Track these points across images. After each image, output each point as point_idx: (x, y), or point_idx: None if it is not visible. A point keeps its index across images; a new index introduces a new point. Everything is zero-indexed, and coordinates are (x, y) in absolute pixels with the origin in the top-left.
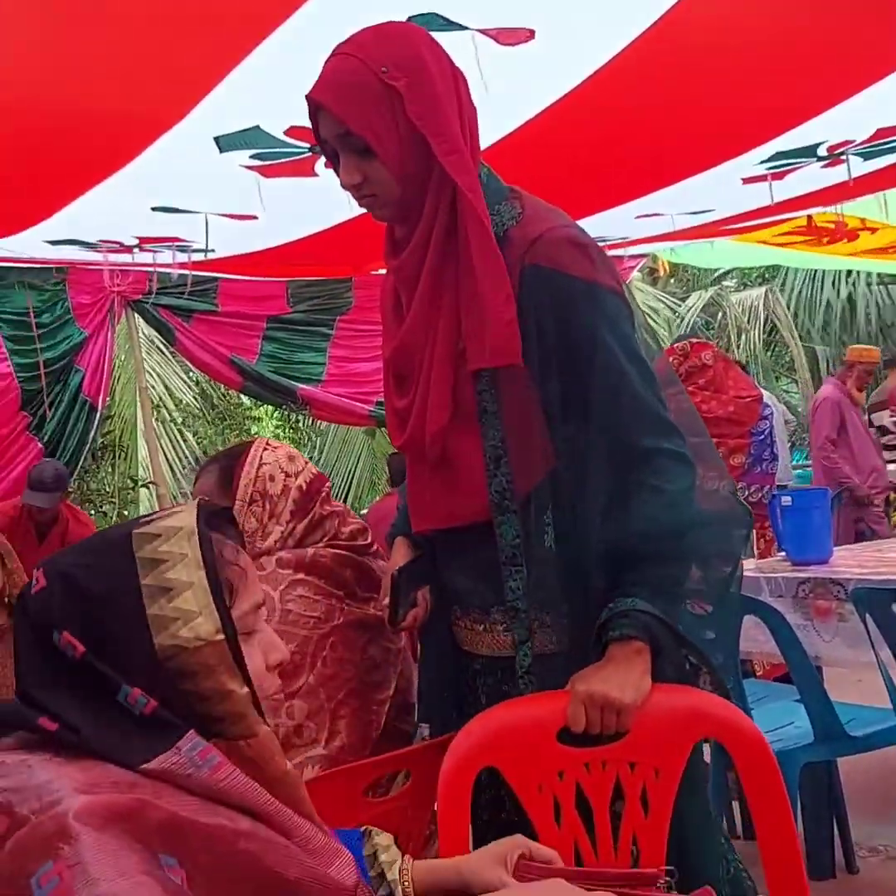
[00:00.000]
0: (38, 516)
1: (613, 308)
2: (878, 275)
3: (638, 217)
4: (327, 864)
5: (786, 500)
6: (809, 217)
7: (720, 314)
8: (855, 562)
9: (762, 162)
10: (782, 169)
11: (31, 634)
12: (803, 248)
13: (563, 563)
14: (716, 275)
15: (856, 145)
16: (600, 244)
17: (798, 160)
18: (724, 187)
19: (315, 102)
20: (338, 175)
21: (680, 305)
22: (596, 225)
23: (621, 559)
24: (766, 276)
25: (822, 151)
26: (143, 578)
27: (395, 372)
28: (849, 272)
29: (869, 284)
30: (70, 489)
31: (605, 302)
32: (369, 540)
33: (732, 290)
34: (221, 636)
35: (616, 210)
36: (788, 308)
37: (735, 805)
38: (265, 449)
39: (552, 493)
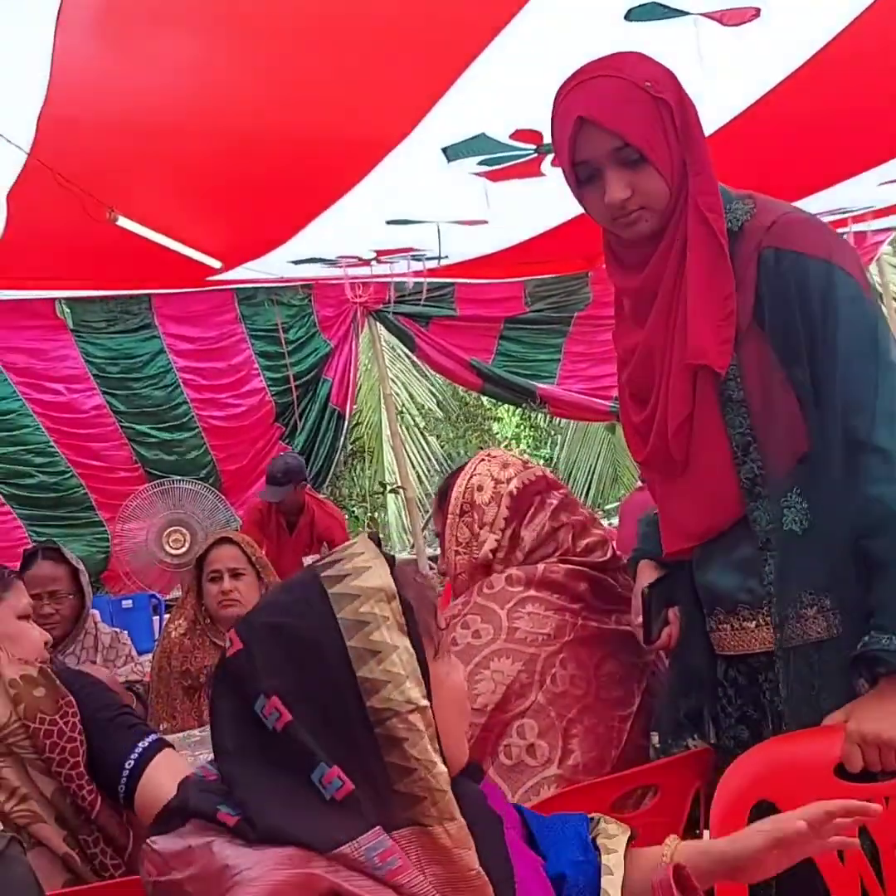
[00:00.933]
0: (283, 509)
1: (852, 290)
2: None
3: (881, 184)
4: None
5: None
6: None
7: None
8: None
9: None
10: None
11: (229, 701)
12: None
13: (821, 546)
14: None
15: None
16: (844, 217)
17: None
18: None
19: (581, 120)
20: (582, 202)
21: None
22: (835, 197)
23: (870, 563)
24: None
25: None
26: (349, 640)
27: (632, 390)
28: None
29: None
30: (316, 488)
31: (845, 284)
32: (609, 554)
33: None
34: (427, 703)
35: (855, 180)
36: None
37: None
38: (482, 461)
39: (802, 477)
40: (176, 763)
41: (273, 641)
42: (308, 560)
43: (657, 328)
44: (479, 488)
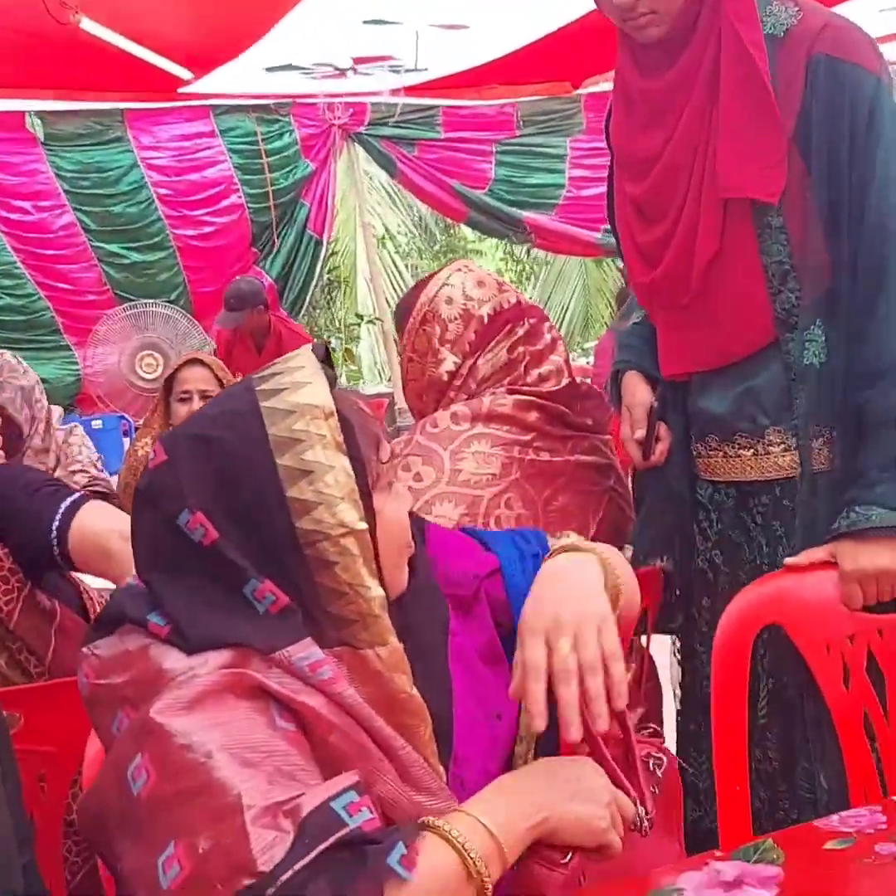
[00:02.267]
0: (248, 333)
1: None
2: None
3: (882, 11)
4: (422, 793)
5: None
6: None
7: None
8: None
9: None
10: None
11: (152, 513)
12: None
13: (835, 381)
14: None
15: None
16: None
17: None
18: None
19: None
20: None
21: None
22: None
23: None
24: None
25: None
26: (279, 458)
27: (642, 206)
28: None
29: None
30: (292, 318)
31: (891, 103)
32: (564, 382)
33: None
34: (364, 525)
35: (852, 3)
36: None
37: None
38: (457, 271)
39: (824, 310)
40: (106, 508)
41: (199, 455)
42: None
43: (682, 146)
44: (448, 301)
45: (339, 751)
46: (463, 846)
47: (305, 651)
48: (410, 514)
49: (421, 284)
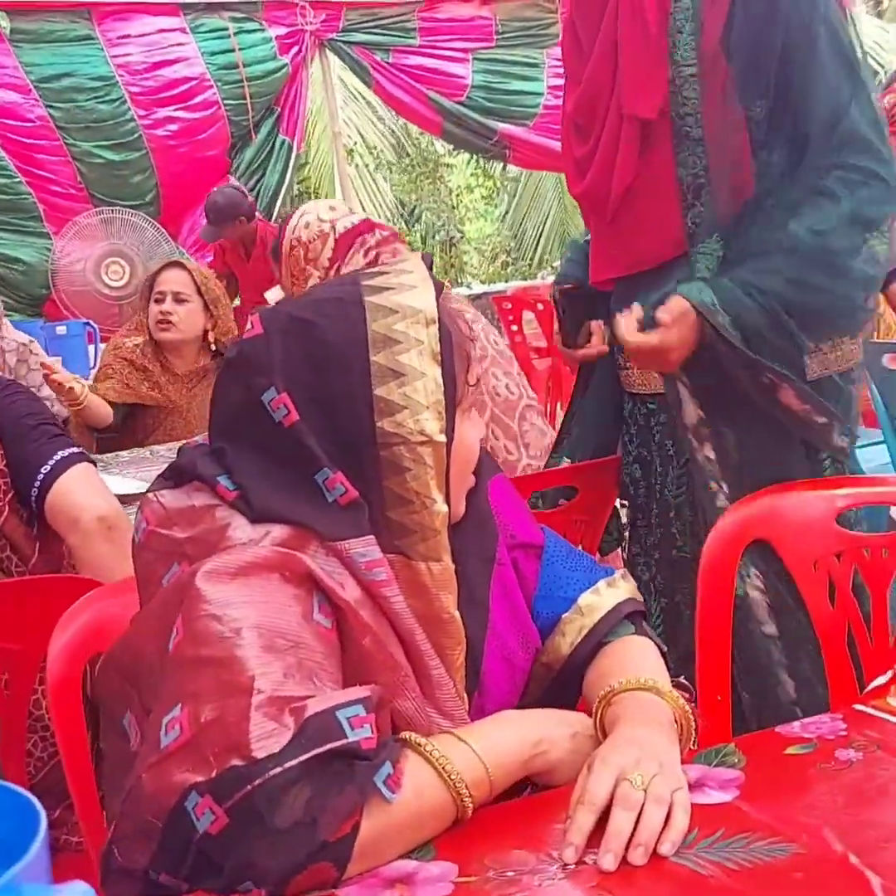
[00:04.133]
0: (238, 242)
1: (836, 18)
2: None
3: None
4: (443, 717)
5: None
6: None
7: None
8: None
9: None
10: None
11: (237, 384)
12: None
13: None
14: None
15: None
16: None
17: None
18: None
19: None
20: None
21: None
22: None
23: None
24: None
25: None
26: (374, 355)
27: (575, 120)
28: None
29: None
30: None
31: (829, 8)
32: None
33: None
34: (444, 438)
35: None
36: None
37: None
38: (309, 203)
39: (732, 224)
40: (92, 477)
41: (295, 335)
42: (268, 294)
43: (600, 66)
44: (306, 226)
45: (369, 656)
46: (444, 768)
47: (366, 547)
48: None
49: (286, 220)
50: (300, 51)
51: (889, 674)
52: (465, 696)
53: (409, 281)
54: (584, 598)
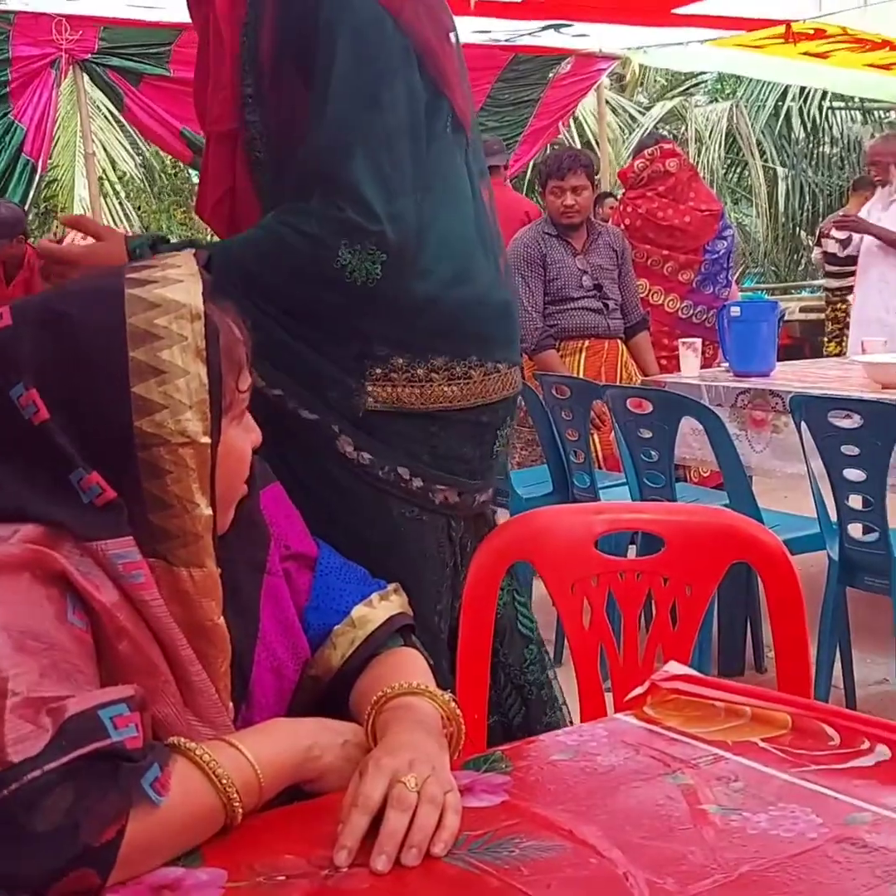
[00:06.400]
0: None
1: (371, 18)
2: (846, 98)
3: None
4: (204, 724)
5: (734, 310)
6: (788, 26)
7: (683, 127)
8: (795, 376)
9: None
10: None
11: None
12: (779, 53)
13: None
14: (683, 88)
15: None
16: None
17: None
18: None
19: None
20: None
21: (644, 114)
22: None
23: None
24: (734, 92)
25: None
26: (133, 350)
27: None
28: (815, 94)
29: (831, 108)
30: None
31: (364, 18)
32: None
33: (697, 104)
34: (207, 440)
35: None
36: (753, 127)
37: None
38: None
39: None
40: None
41: (47, 328)
42: None
43: (198, 79)
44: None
45: (126, 660)
46: (214, 772)
47: (124, 549)
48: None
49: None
50: (51, 67)
51: (646, 685)
52: (231, 704)
53: (175, 275)
54: (357, 611)
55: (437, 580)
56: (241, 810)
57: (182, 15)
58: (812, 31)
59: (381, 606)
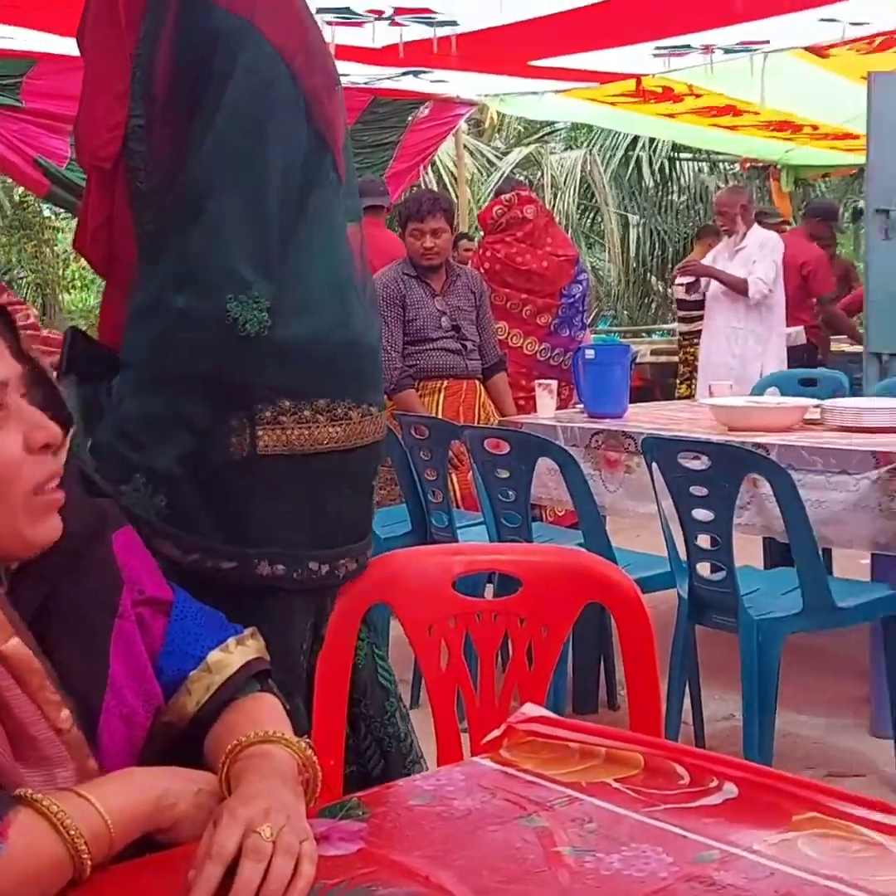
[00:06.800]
0: None
1: (266, 70)
2: (693, 150)
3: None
4: (36, 768)
5: (588, 353)
6: (638, 80)
7: (539, 173)
8: (647, 418)
9: None
10: None
11: None
12: (630, 108)
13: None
14: (539, 135)
15: None
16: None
17: None
18: None
19: None
20: None
21: (502, 159)
22: None
23: None
24: (588, 140)
25: None
26: None
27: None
28: (664, 144)
29: (680, 159)
30: None
31: (258, 59)
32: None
33: (553, 151)
34: None
35: None
36: (606, 175)
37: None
38: None
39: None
40: None
41: None
42: None
43: (82, 109)
44: None
45: None
46: (61, 823)
47: None
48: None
49: None
50: None
51: (502, 728)
52: (70, 754)
53: None
54: (213, 656)
55: (300, 620)
56: (89, 862)
57: (34, 44)
58: (660, 90)
59: (238, 651)
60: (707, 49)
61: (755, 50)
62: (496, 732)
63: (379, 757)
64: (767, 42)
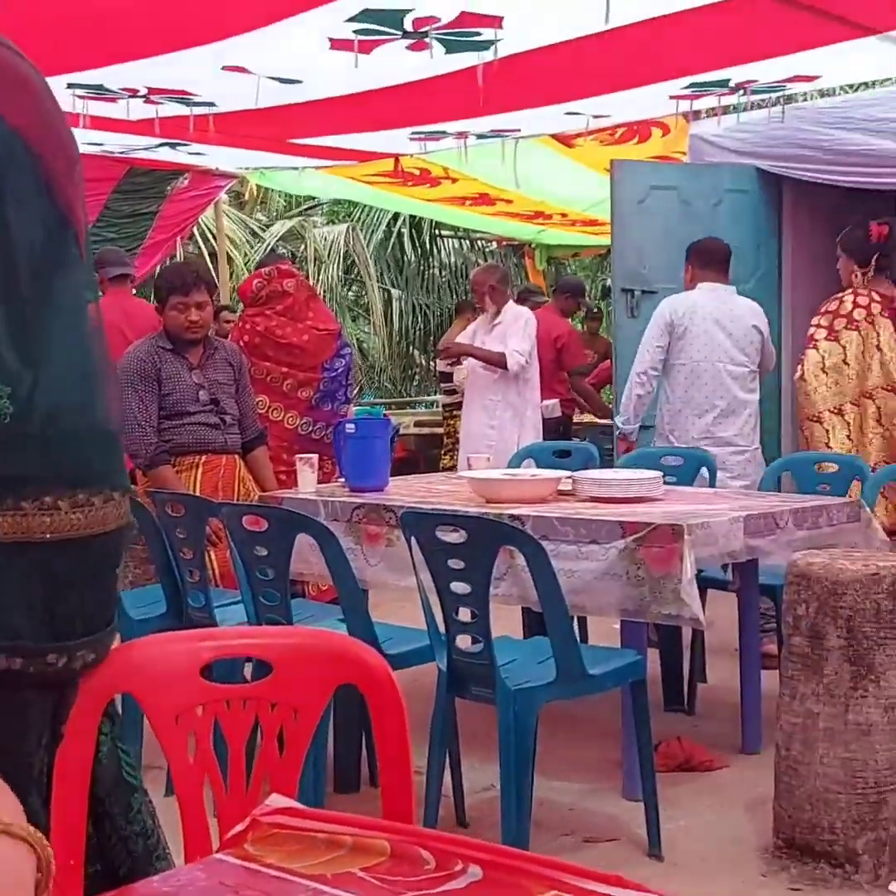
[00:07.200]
0: None
1: (3, 150)
2: (453, 227)
3: (223, 68)
4: None
5: (349, 427)
6: (397, 160)
7: (302, 246)
8: (408, 491)
9: (348, 19)
10: (369, 38)
11: None
12: (389, 189)
13: None
14: (301, 208)
15: (439, 27)
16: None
17: (384, 29)
18: (312, 48)
19: None
20: None
21: (265, 231)
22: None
23: None
24: (350, 215)
25: (407, 23)
26: None
27: None
28: (425, 221)
29: (440, 236)
30: None
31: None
32: None
33: (316, 225)
34: None
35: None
36: (369, 249)
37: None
38: None
39: None
40: None
41: None
42: None
43: None
44: None
45: None
46: None
47: None
48: None
49: None
50: None
51: (247, 821)
52: None
53: None
54: None
55: (37, 715)
56: None
57: None
58: (418, 171)
59: None
60: (461, 135)
61: (506, 137)
62: (241, 826)
63: (125, 855)
64: (518, 130)
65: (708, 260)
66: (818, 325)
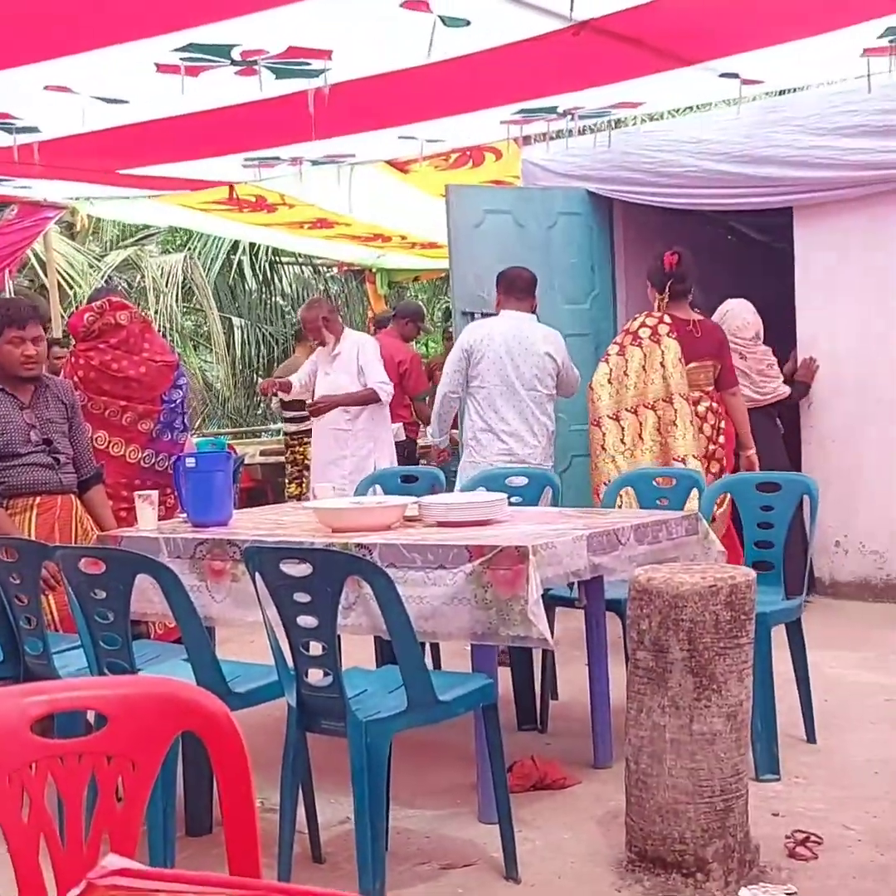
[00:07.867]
0: None
1: None
2: (293, 253)
3: (46, 88)
4: None
5: (189, 461)
6: (231, 187)
7: (139, 276)
8: (253, 524)
9: (175, 50)
10: (196, 64)
11: None
12: (225, 216)
13: None
14: (136, 237)
15: (268, 57)
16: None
17: (212, 58)
18: (137, 68)
19: None
20: None
21: (100, 261)
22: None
23: None
24: (187, 243)
25: (236, 55)
26: None
27: None
28: (265, 248)
29: (280, 262)
30: None
31: None
32: None
33: (152, 254)
34: None
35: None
36: (208, 277)
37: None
38: None
39: None
40: None
41: None
42: None
43: None
44: None
45: None
46: None
47: None
48: None
49: None
50: None
51: (82, 885)
52: None
53: None
54: None
55: None
56: None
57: None
58: (254, 199)
59: None
60: (295, 161)
61: (341, 162)
62: (76, 891)
63: None
64: (353, 155)
65: (510, 287)
66: (614, 342)
